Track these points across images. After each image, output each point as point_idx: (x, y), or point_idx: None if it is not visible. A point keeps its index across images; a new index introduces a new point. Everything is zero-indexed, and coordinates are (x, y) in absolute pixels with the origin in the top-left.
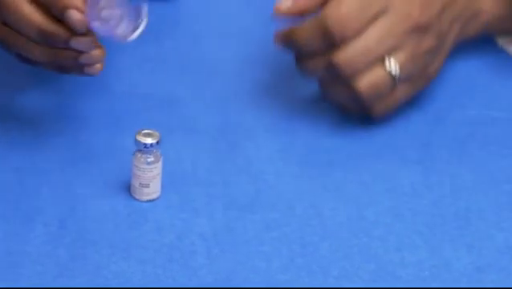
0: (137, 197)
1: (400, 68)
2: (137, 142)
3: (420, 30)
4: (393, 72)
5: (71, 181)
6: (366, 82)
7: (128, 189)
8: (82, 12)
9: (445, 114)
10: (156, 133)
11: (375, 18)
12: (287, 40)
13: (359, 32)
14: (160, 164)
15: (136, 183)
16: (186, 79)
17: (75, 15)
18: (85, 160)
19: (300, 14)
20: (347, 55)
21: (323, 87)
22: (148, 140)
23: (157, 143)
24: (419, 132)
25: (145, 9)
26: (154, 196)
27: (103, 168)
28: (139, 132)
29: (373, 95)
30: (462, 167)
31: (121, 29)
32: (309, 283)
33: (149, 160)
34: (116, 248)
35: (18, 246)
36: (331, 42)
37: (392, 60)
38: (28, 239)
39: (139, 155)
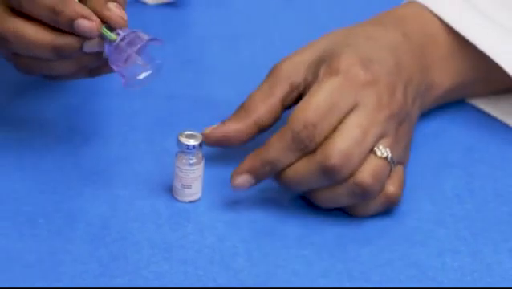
0: (179, 198)
1: (391, 151)
2: (180, 143)
3: (393, 116)
4: (385, 155)
5: (113, 182)
6: (366, 174)
7: (169, 190)
8: (90, 19)
9: (488, 118)
10: (199, 135)
11: (345, 116)
12: (257, 162)
13: (330, 132)
14: (202, 166)
15: (177, 184)
16: (228, 81)
17: (83, 23)
18: (127, 161)
19: (219, 142)
20: (338, 155)
21: (315, 195)
22: (191, 142)
23: (200, 144)
24: (461, 136)
25: (157, 65)
26: (196, 197)
27: (146, 169)
28: (181, 134)
29: (377, 185)
30: (505, 171)
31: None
32: None
33: (191, 161)
34: (158, 248)
35: (61, 245)
36: (304, 148)
37: (381, 146)
38: (70, 238)
39: (181, 156)
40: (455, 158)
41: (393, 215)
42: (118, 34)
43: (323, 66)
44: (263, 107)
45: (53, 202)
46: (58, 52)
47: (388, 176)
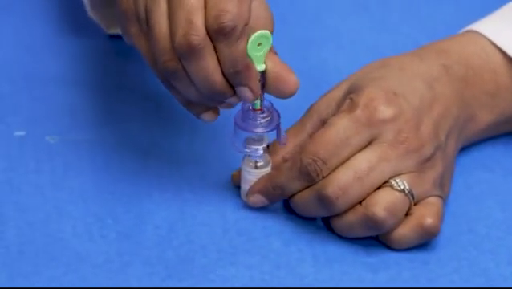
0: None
1: (412, 186)
2: (247, 147)
3: (413, 152)
4: (402, 188)
5: (181, 186)
6: (379, 206)
7: (237, 193)
8: (254, 93)
9: None
10: (266, 138)
11: (358, 151)
12: (268, 185)
13: (336, 167)
14: (269, 169)
15: (245, 187)
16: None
17: (246, 93)
18: (195, 164)
19: None
20: (335, 186)
21: (332, 224)
22: (258, 145)
23: (267, 147)
24: None
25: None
26: None
27: (213, 172)
28: (248, 137)
29: (391, 218)
30: None
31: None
32: None
33: (259, 164)
34: (224, 252)
35: (129, 247)
36: (311, 180)
37: (398, 179)
38: (139, 241)
39: (249, 159)
40: None
41: (462, 222)
42: (263, 106)
43: (347, 99)
44: (292, 144)
45: (122, 204)
46: (213, 94)
47: (409, 210)
